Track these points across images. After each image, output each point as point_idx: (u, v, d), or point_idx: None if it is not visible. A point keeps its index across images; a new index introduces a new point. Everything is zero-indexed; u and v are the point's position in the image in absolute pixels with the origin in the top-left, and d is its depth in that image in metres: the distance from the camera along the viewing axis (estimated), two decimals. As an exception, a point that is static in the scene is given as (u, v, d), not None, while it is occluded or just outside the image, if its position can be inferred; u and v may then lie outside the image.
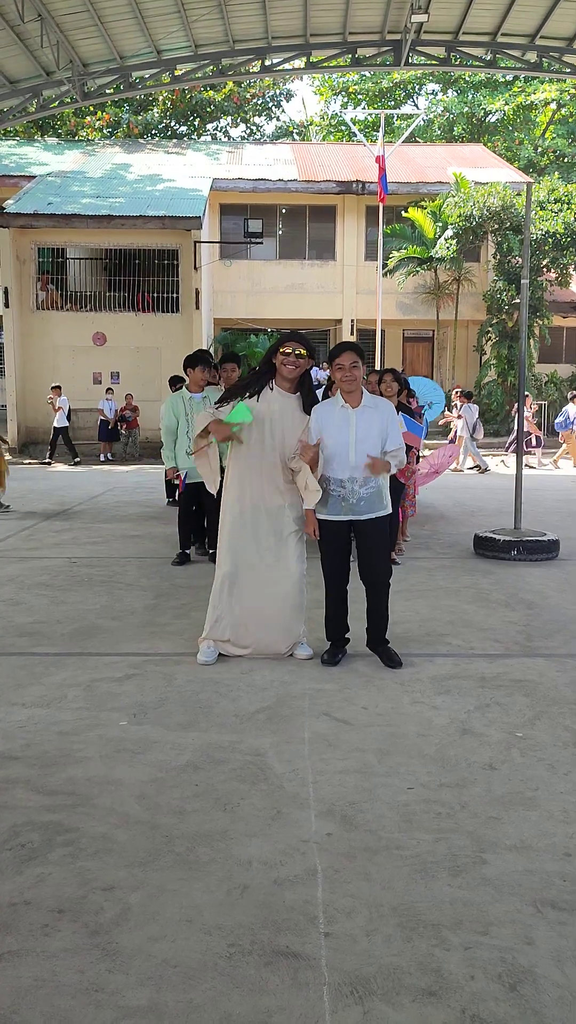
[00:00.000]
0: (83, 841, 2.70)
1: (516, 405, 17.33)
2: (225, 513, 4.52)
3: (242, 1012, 1.97)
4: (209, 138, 34.06)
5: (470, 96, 33.84)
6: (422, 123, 33.90)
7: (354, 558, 4.64)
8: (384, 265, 20.92)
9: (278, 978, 2.07)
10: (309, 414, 4.41)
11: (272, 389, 4.41)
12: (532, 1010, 1.98)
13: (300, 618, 4.53)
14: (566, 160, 33.00)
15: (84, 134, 31.30)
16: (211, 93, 32.34)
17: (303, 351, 4.35)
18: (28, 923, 2.29)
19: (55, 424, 17.12)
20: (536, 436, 16.81)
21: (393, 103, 36.17)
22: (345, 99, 36.31)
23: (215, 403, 4.60)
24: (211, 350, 19.58)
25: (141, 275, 19.91)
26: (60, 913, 2.33)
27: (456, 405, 15.58)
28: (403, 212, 22.09)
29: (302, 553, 4.50)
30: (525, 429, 16.47)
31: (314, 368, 24.03)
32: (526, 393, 17.92)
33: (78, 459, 17.30)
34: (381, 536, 4.45)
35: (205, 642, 4.50)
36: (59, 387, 17.19)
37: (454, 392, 16.13)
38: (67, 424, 17.30)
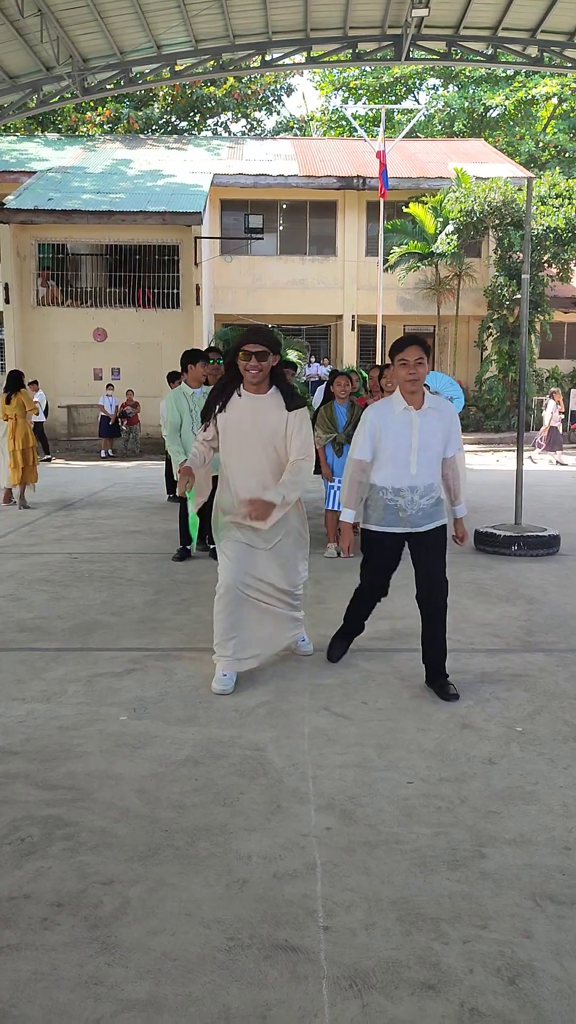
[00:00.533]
0: (83, 835, 2.70)
1: (545, 401, 17.39)
2: (217, 522, 4.25)
3: (241, 1005, 1.97)
4: (210, 133, 33.99)
5: (471, 91, 33.75)
6: (423, 118, 33.79)
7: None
8: (385, 261, 20.90)
9: (277, 972, 2.08)
10: (289, 408, 4.01)
11: (240, 396, 4.05)
12: (531, 1003, 1.98)
13: (298, 618, 4.35)
14: (567, 155, 32.93)
15: (84, 130, 31.25)
16: (212, 89, 32.27)
17: (262, 348, 3.93)
18: (27, 917, 2.29)
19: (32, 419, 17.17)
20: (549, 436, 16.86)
21: (394, 98, 36.07)
22: (346, 94, 36.23)
23: (202, 422, 4.25)
24: (213, 346, 19.55)
25: (141, 271, 19.88)
26: (59, 907, 2.33)
27: None
28: (404, 207, 22.05)
29: (298, 553, 4.29)
30: (555, 426, 16.51)
31: (315, 364, 23.81)
32: (556, 388, 17.93)
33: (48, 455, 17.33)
34: (438, 545, 3.98)
35: (219, 666, 4.11)
36: (35, 382, 17.19)
37: None
38: (43, 419, 17.35)
